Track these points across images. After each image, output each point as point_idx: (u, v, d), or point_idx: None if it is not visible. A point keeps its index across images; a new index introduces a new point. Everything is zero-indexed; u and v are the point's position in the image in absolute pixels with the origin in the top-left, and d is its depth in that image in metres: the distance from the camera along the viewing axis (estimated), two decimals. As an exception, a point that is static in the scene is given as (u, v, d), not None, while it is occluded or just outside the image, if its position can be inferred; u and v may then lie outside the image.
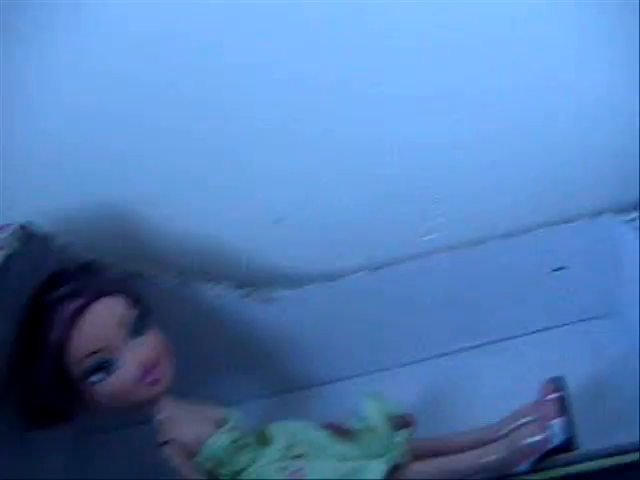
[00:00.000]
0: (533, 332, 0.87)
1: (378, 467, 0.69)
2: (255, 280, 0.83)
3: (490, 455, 0.70)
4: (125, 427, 0.89)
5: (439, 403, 0.82)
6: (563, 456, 0.68)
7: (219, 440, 0.73)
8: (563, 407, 0.69)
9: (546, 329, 0.87)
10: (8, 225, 0.74)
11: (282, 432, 0.77)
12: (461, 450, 0.72)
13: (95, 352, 0.71)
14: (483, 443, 0.72)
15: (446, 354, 0.87)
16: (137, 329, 0.73)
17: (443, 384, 0.84)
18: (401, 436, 0.72)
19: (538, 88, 0.77)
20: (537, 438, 0.68)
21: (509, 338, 0.87)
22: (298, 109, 0.78)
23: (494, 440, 0.72)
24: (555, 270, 0.84)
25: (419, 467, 0.71)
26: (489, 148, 0.81)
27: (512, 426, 0.72)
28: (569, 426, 0.68)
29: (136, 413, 0.82)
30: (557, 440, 0.68)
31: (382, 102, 0.78)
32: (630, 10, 0.73)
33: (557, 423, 0.68)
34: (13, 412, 0.76)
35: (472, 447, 0.72)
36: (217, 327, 0.83)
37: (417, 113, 0.79)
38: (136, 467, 0.84)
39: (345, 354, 0.86)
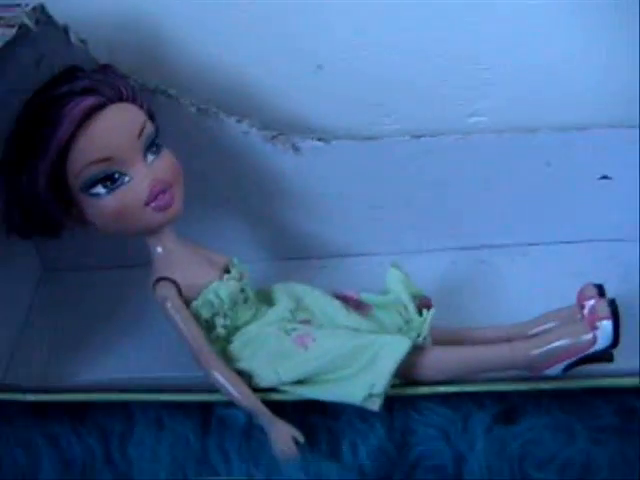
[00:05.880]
0: (563, 242, 0.79)
1: (403, 342, 0.62)
2: (283, 126, 0.74)
3: (524, 350, 0.62)
4: (100, 269, 0.81)
5: (459, 296, 0.74)
6: (598, 366, 0.62)
7: (223, 286, 0.65)
8: (615, 310, 0.61)
9: (578, 241, 0.79)
10: (25, 4, 0.64)
11: (288, 294, 0.69)
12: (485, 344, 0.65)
13: (103, 160, 0.62)
14: (510, 340, 0.65)
15: (471, 248, 0.79)
16: (152, 146, 0.64)
17: (464, 278, 0.77)
18: (425, 314, 0.64)
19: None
20: (584, 337, 0.61)
21: (538, 244, 0.79)
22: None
23: (524, 338, 0.65)
24: (601, 178, 0.77)
25: (442, 352, 0.64)
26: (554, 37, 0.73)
27: (545, 327, 0.65)
28: (617, 332, 0.61)
29: (123, 251, 0.75)
30: (603, 344, 0.61)
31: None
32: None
33: (608, 325, 0.60)
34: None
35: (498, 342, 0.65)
36: (234, 168, 0.73)
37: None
38: (105, 309, 0.77)
39: (366, 227, 0.78)
